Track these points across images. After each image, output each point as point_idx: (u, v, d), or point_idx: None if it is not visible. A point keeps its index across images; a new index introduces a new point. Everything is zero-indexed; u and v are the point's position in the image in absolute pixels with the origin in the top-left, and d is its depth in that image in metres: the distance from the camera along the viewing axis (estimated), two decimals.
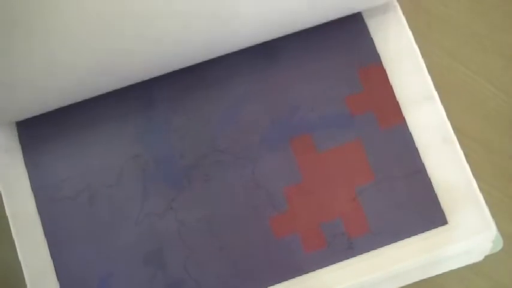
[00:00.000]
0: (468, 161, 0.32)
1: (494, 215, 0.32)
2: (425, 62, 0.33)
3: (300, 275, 0.31)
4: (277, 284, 0.31)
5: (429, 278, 0.34)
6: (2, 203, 0.32)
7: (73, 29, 0.28)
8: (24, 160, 0.33)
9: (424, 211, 0.31)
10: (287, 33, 0.32)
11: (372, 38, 0.33)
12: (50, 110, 0.32)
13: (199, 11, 0.29)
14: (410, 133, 0.32)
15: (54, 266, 0.31)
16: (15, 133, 0.33)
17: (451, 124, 0.32)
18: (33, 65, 0.28)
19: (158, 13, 0.28)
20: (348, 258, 0.31)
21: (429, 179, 0.32)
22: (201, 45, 0.30)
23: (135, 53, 0.29)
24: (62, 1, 0.28)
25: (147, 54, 0.30)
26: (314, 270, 0.31)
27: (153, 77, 0.32)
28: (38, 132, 0.33)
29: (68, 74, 0.29)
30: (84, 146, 0.33)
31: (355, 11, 0.33)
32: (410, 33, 0.33)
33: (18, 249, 0.31)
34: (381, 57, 0.33)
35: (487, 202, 0.31)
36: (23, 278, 0.31)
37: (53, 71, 0.29)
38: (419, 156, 0.32)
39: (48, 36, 0.28)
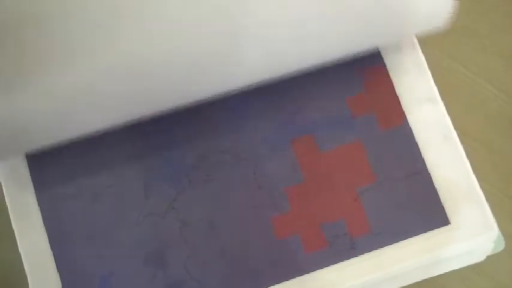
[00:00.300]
0: (469, 162, 0.32)
1: (496, 215, 0.32)
2: (425, 63, 0.33)
3: (301, 275, 0.31)
4: (278, 284, 0.31)
5: (431, 278, 0.34)
6: (4, 201, 0.32)
7: (80, 65, 0.28)
8: (27, 158, 0.32)
9: (425, 211, 0.31)
10: (298, 70, 0.32)
11: None
12: (56, 142, 0.31)
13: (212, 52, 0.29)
14: (411, 134, 0.32)
15: (56, 264, 0.31)
16: None
17: (452, 125, 0.32)
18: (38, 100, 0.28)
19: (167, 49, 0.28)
20: (349, 259, 0.31)
21: (430, 180, 0.32)
22: (212, 86, 0.30)
23: (146, 91, 0.29)
24: (70, 33, 0.28)
25: (153, 92, 0.30)
26: (315, 270, 0.31)
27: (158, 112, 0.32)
28: None
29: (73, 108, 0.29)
30: (87, 147, 0.33)
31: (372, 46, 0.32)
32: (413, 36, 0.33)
33: (19, 247, 0.31)
34: (383, 59, 0.33)
35: (488, 202, 0.31)
36: (25, 276, 0.31)
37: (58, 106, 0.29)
38: (420, 157, 0.32)
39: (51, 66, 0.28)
